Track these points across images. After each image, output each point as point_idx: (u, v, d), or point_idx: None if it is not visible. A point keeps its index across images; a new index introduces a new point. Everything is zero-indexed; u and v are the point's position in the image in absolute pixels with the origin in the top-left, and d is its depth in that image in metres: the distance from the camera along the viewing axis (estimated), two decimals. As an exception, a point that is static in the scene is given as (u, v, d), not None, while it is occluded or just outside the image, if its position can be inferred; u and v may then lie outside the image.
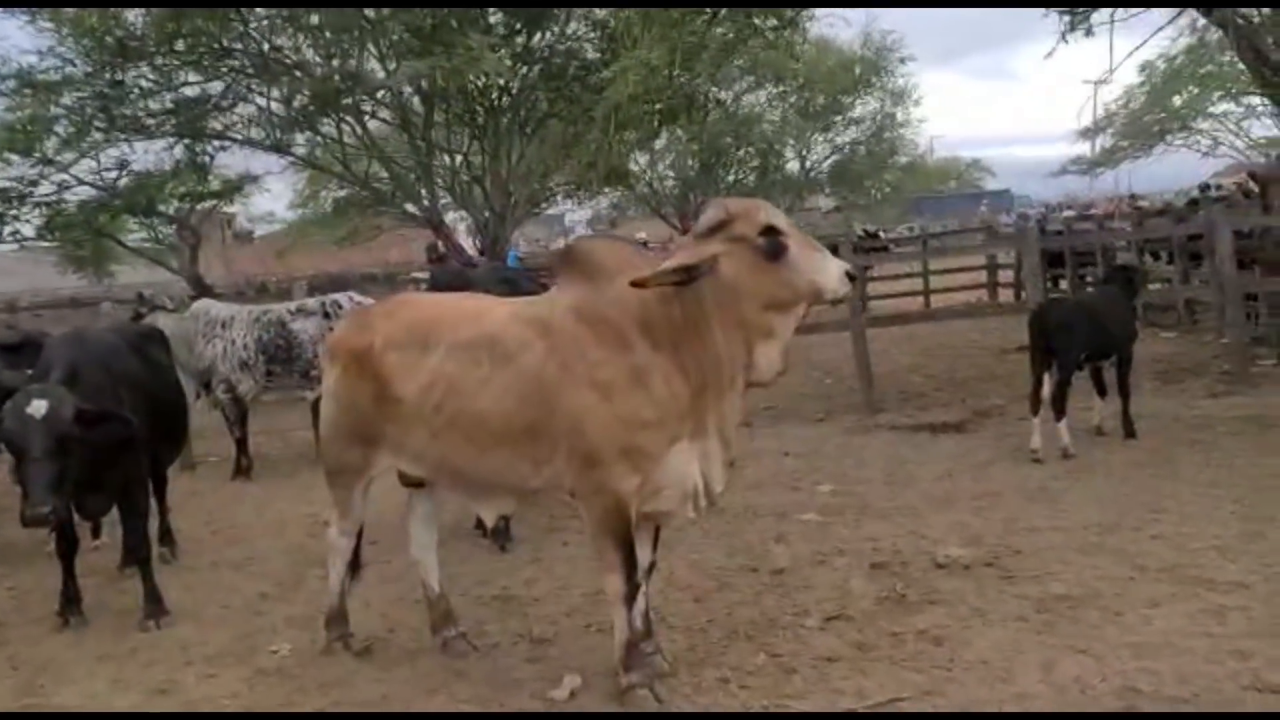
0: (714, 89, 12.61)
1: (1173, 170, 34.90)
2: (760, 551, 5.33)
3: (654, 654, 3.90)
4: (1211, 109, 28.31)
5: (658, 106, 9.72)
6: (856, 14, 21.94)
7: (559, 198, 19.42)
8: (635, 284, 3.47)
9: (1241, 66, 23.54)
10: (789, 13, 9.22)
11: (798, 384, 10.70)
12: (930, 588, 4.61)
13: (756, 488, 6.47)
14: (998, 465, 6.75)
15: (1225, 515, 5.22)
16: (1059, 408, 6.80)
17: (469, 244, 15.13)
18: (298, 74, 11.66)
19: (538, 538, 5.83)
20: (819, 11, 10.94)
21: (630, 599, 3.70)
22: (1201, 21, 17.45)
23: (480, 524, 5.70)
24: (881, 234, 20.76)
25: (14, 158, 11.39)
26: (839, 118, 24.25)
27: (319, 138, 13.31)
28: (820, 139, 25.00)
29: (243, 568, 5.74)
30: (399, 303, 4.25)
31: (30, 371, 4.95)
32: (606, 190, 23.94)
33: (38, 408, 4.12)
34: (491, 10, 11.31)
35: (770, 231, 3.53)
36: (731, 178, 22.69)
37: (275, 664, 4.32)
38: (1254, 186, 14.55)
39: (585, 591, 4.88)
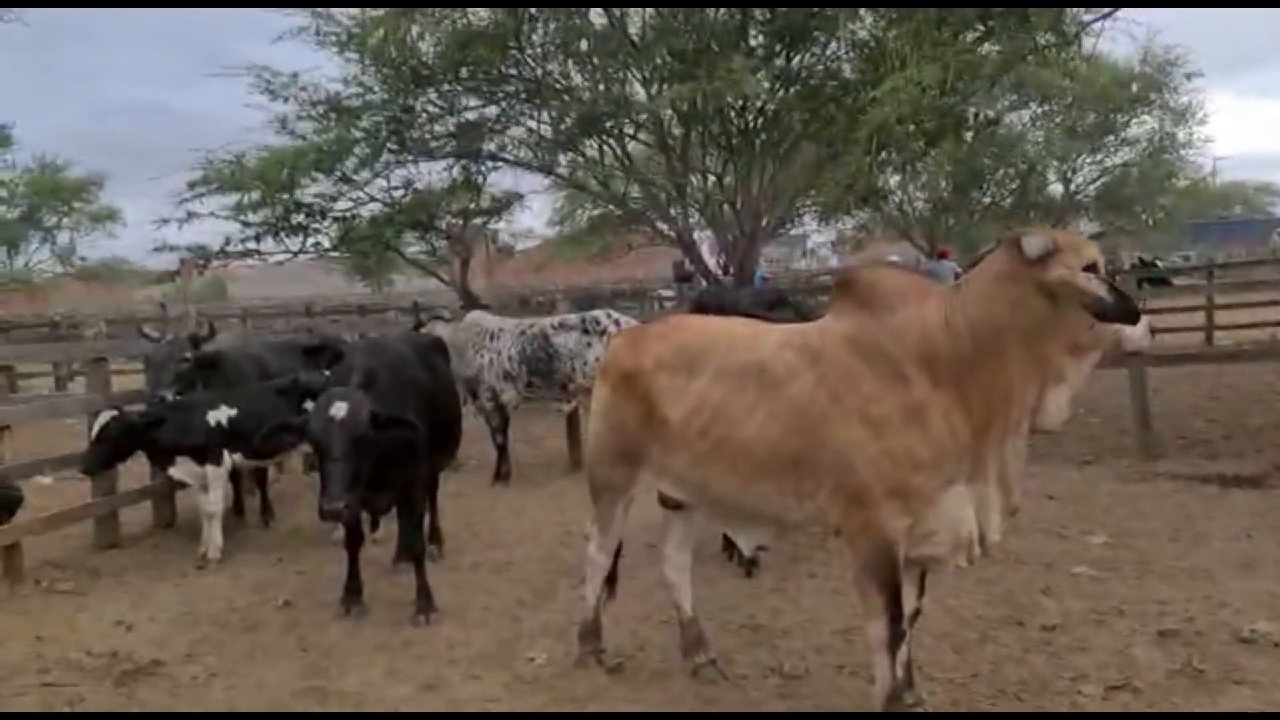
0: (984, 110, 12.05)
1: None
2: (1026, 604, 4.98)
3: (915, 706, 3.71)
4: None
5: (924, 128, 9.40)
6: (1137, 29, 20.39)
7: (805, 219, 19.25)
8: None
9: None
10: (1070, 26, 8.63)
11: (1062, 422, 10.02)
12: (1232, 664, 4.13)
13: (1017, 532, 6.05)
14: (1307, 529, 6.00)
15: None
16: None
17: (712, 262, 15.25)
18: (566, 98, 12.17)
19: (783, 565, 5.72)
20: (1102, 25, 10.23)
21: (894, 647, 3.54)
22: None
23: (727, 546, 5.67)
24: (1159, 263, 19.09)
25: (319, 176, 12.58)
26: (1110, 137, 22.63)
27: (581, 158, 13.82)
28: (1088, 160, 23.42)
29: (502, 572, 5.98)
30: (673, 324, 4.28)
31: (328, 373, 5.38)
32: (854, 212, 23.54)
33: (339, 410, 4.47)
34: (754, 32, 11.34)
35: (1093, 268, 3.29)
36: (988, 199, 21.70)
37: (533, 672, 4.45)
38: None
39: (835, 628, 4.73)
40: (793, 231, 23.52)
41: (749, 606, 5.15)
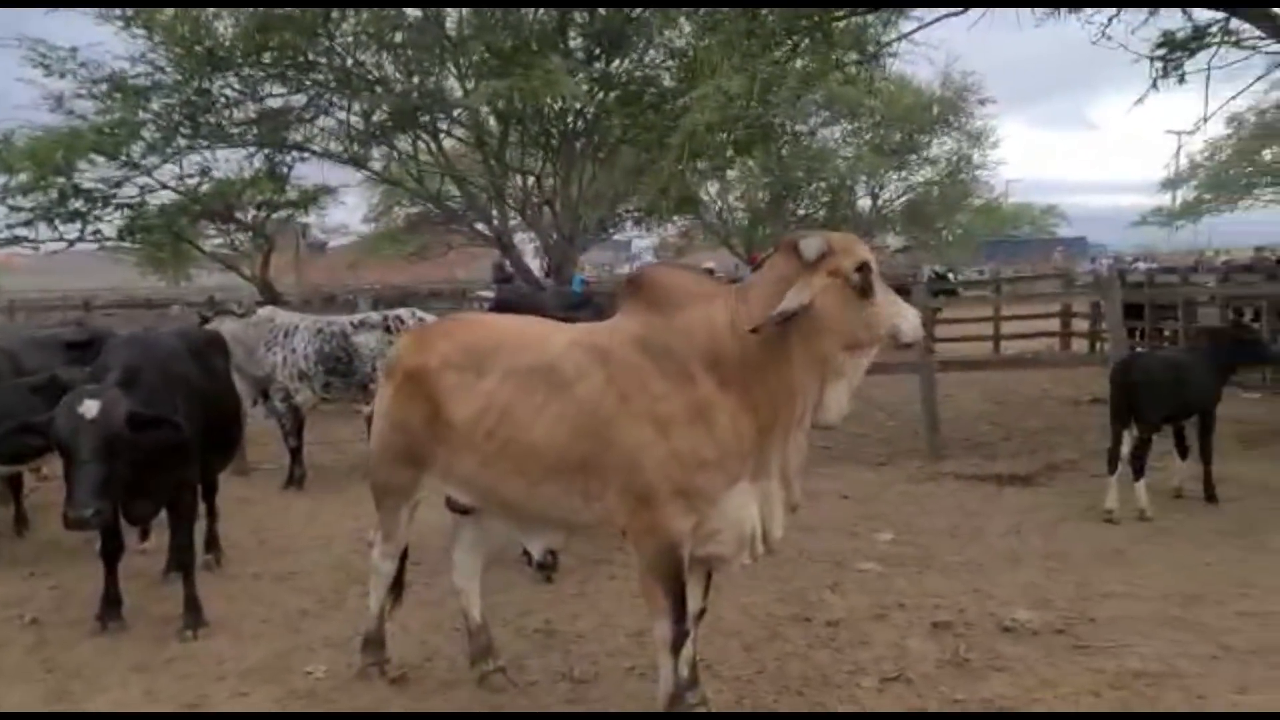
0: (790, 122, 12.46)
1: (1255, 226, 33.87)
2: (814, 600, 5.10)
3: (698, 705, 3.71)
4: (1304, 165, 27.47)
5: (733, 136, 9.60)
6: (936, 53, 21.63)
7: (627, 224, 19.42)
8: (755, 331, 3.31)
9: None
10: (871, 46, 9.04)
11: (857, 425, 10.39)
12: (995, 653, 4.34)
13: (811, 531, 6.24)
14: (1069, 523, 6.43)
15: (1320, 595, 4.87)
16: (1138, 467, 6.47)
17: (535, 265, 15.14)
18: (378, 90, 11.78)
19: (585, 569, 5.67)
20: (901, 48, 10.75)
21: (678, 646, 3.53)
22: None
23: (527, 551, 5.56)
24: (952, 276, 20.41)
25: (100, 160, 11.64)
26: (914, 156, 23.93)
27: (395, 153, 13.43)
28: (894, 177, 24.69)
29: (286, 581, 5.66)
30: (460, 323, 4.14)
31: (89, 370, 4.93)
32: (675, 218, 23.92)
33: (89, 408, 4.08)
34: (573, 34, 11.32)
35: (865, 268, 3.38)
36: (802, 211, 22.50)
37: (308, 686, 4.21)
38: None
39: (630, 631, 4.70)
40: (615, 236, 23.67)
41: (546, 611, 5.06)
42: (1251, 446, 8.46)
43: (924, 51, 10.45)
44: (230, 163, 12.90)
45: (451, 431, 3.78)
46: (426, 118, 11.91)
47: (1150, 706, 3.77)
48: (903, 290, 12.34)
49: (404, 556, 4.32)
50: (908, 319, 3.48)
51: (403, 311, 8.24)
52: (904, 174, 24.72)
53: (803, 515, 6.66)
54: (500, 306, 6.37)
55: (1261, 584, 5.05)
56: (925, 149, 23.79)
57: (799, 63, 8.47)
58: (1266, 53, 9.79)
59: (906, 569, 5.59)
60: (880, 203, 25.19)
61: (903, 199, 25.26)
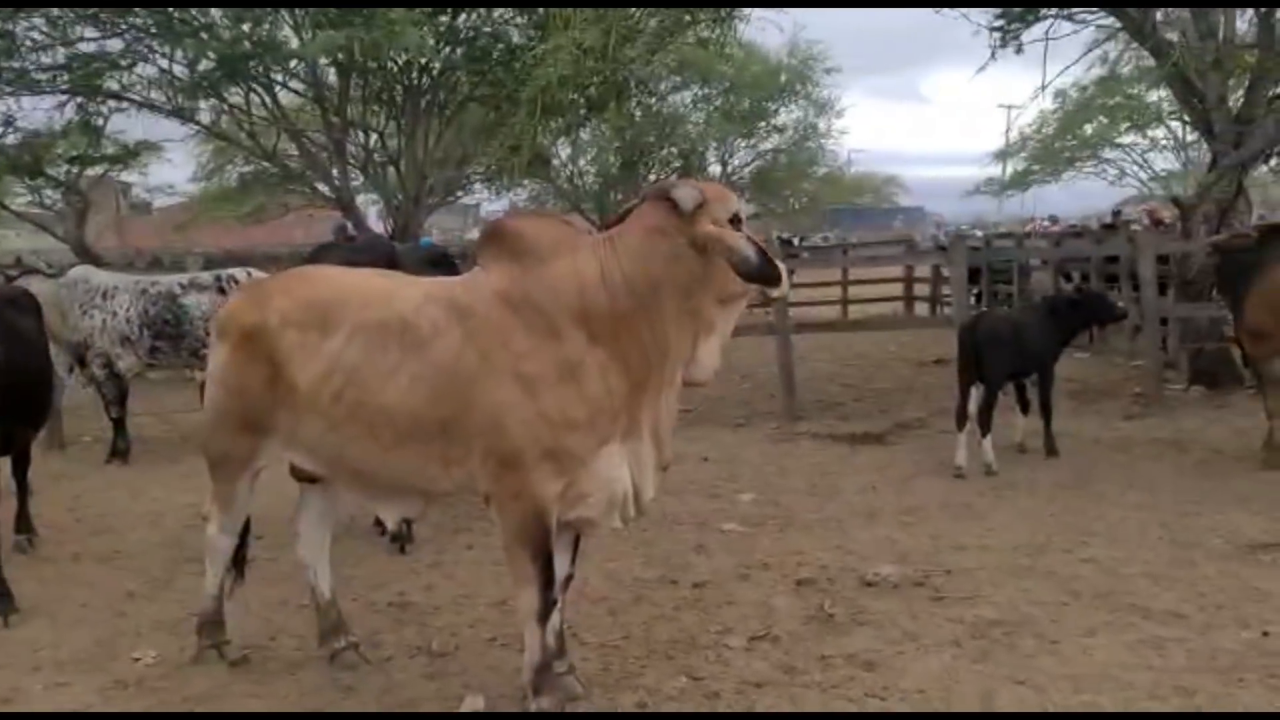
0: (645, 81, 12.31)
1: (1079, 197, 36.01)
2: (680, 563, 5.03)
3: (566, 674, 3.56)
4: (1119, 139, 29.23)
5: (586, 92, 9.37)
6: (785, 21, 21.84)
7: (477, 186, 18.91)
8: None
9: (1150, 100, 24.36)
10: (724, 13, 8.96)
11: (717, 388, 10.44)
12: (859, 608, 4.36)
13: (675, 494, 6.17)
14: (921, 479, 6.58)
15: (1154, 540, 5.11)
16: (984, 423, 6.67)
17: (381, 228, 14.53)
18: (204, 36, 10.94)
19: (441, 539, 5.43)
20: (754, 12, 10.74)
21: (545, 616, 3.36)
22: (1114, 53, 17.93)
23: (380, 521, 5.28)
24: (795, 241, 20.79)
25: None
26: (763, 124, 24.14)
27: (225, 106, 12.56)
28: (743, 144, 24.87)
29: (109, 561, 5.20)
30: (300, 276, 3.80)
31: None
32: (526, 181, 23.47)
33: None
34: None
35: (737, 219, 3.27)
36: (653, 176, 22.38)
37: (136, 673, 3.85)
38: (1164, 217, 14.93)
39: (490, 601, 4.52)
40: (464, 200, 23.06)
41: (401, 583, 4.81)
42: (1083, 403, 8.91)
43: (772, 18, 10.43)
44: (38, 112, 11.79)
45: (294, 395, 3.48)
46: (259, 68, 11.15)
47: (1008, 653, 3.84)
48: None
49: (245, 530, 3.99)
50: (778, 270, 3.39)
51: (237, 271, 7.68)
52: (753, 141, 24.90)
53: (667, 478, 6.55)
54: (352, 259, 5.94)
55: (1101, 532, 5.27)
56: (773, 117, 24.01)
57: (654, 20, 8.32)
58: (1098, 25, 10.24)
59: (769, 528, 5.59)
60: (730, 169, 25.33)
61: (752, 166, 25.46)
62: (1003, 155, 29.20)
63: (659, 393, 3.35)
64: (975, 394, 6.79)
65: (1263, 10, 8.70)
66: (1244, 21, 9.30)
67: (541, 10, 10.64)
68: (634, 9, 7.74)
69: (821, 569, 4.88)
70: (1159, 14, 9.40)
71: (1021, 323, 7.20)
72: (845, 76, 41.50)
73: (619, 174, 21.66)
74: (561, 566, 3.48)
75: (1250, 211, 9.35)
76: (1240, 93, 9.42)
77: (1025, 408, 7.25)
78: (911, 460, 7.13)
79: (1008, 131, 30.52)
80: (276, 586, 4.67)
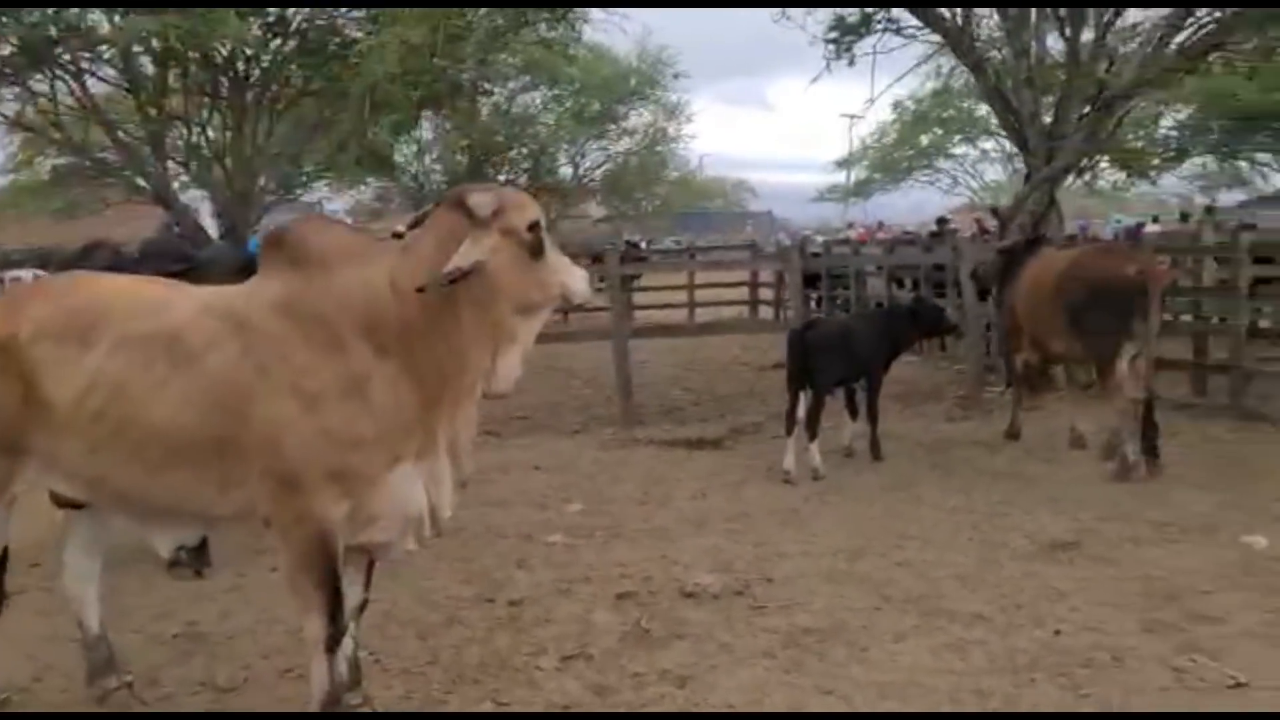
0: (482, 80, 12.06)
1: (917, 204, 37.69)
2: (499, 579, 4.87)
3: (360, 706, 3.35)
4: (953, 150, 30.72)
5: (417, 89, 9.08)
6: (632, 25, 21.83)
7: (317, 184, 18.25)
8: (420, 290, 2.95)
9: (978, 113, 25.62)
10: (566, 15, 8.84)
11: (554, 393, 10.36)
12: (678, 620, 4.30)
13: (500, 505, 6.01)
14: (751, 485, 6.61)
15: (964, 542, 5.24)
16: (812, 429, 6.75)
17: (212, 226, 13.80)
18: (3, 20, 10.12)
19: (241, 560, 5.09)
20: (595, 14, 10.67)
21: (333, 645, 3.14)
22: (946, 67, 18.75)
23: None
24: (643, 245, 20.86)
25: None
26: (614, 126, 24.24)
27: (30, 94, 11.66)
28: (594, 146, 24.91)
29: None
30: (58, 284, 3.46)
31: None
32: (370, 180, 22.82)
33: None
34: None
35: (536, 226, 3.14)
36: (502, 177, 22.13)
37: None
38: (990, 226, 15.63)
39: (293, 627, 4.21)
40: (304, 198, 22.22)
41: (191, 611, 4.48)
42: (908, 406, 9.18)
43: (617, 21, 10.41)
44: None
45: (51, 414, 3.15)
46: (66, 55, 10.37)
47: (819, 662, 3.84)
48: (598, 259, 12.41)
49: (2, 559, 3.61)
50: (579, 279, 3.29)
51: (22, 273, 7.08)
52: (604, 144, 25.00)
53: (492, 489, 6.49)
54: (140, 264, 5.50)
55: (917, 535, 5.38)
56: (624, 119, 24.15)
57: (485, 19, 8.11)
58: (923, 40, 10.61)
59: (594, 540, 5.49)
60: (581, 171, 25.33)
61: (603, 168, 25.54)
62: (845, 163, 30.30)
63: (456, 406, 3.18)
64: (805, 399, 6.87)
65: (1069, 31, 9.17)
66: (1055, 40, 9.80)
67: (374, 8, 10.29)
68: (466, 8, 7.51)
69: (644, 581, 4.80)
70: (979, 31, 9.81)
71: (852, 329, 7.34)
72: (694, 82, 42.18)
73: (467, 174, 21.33)
74: (353, 593, 3.29)
75: (1061, 222, 9.86)
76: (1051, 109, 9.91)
77: (854, 413, 7.39)
78: (745, 465, 7.16)
79: (850, 140, 31.61)
80: (48, 620, 4.27)
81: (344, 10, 11.47)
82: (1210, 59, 10.37)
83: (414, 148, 19.94)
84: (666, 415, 9.22)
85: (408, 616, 4.37)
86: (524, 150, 22.65)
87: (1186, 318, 10.04)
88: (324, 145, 11.97)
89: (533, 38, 10.70)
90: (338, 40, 11.66)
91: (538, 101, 22.45)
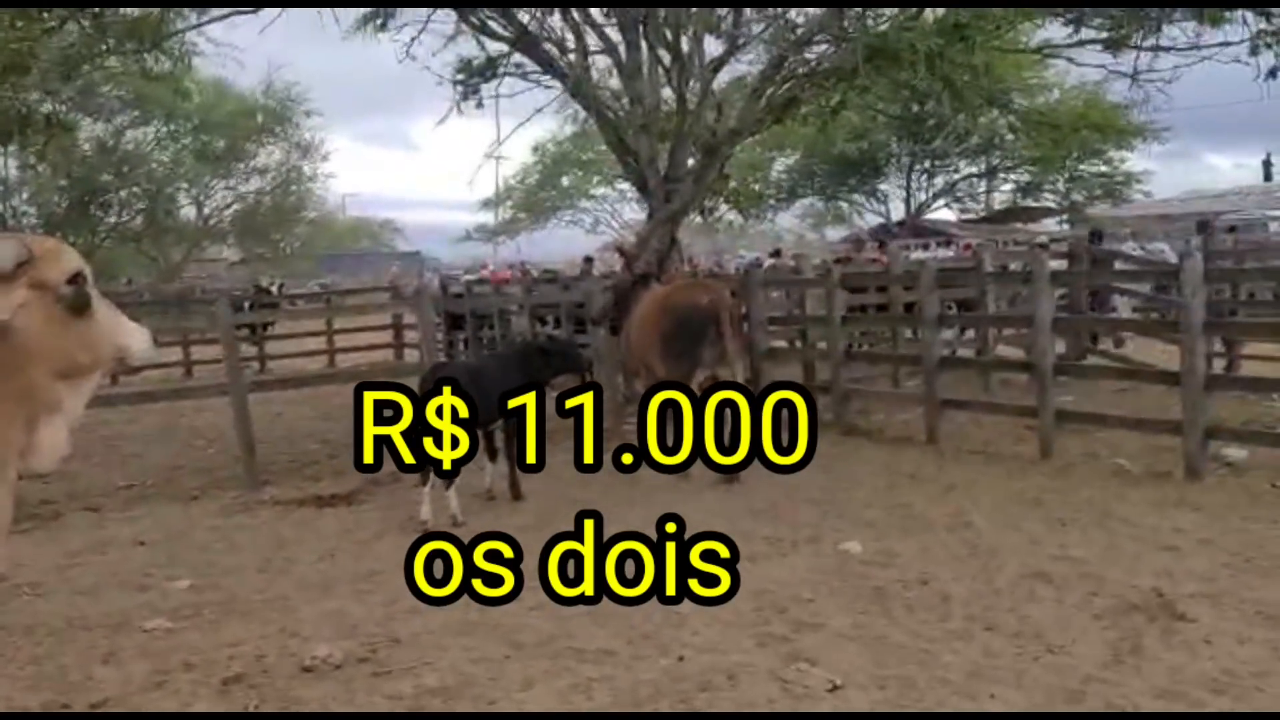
0: (77, 114, 10.80)
1: (563, 243, 38.92)
2: (78, 679, 4.22)
3: None
4: (593, 191, 32.10)
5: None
6: (256, 61, 20.67)
7: None
8: None
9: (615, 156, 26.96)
10: (148, 37, 8.05)
11: (172, 456, 9.43)
12: (292, 699, 3.93)
13: (89, 593, 5.27)
14: (385, 539, 6.29)
15: (596, 577, 5.28)
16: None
17: None
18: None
19: None
20: (205, 46, 9.90)
21: None
22: (584, 113, 19.55)
23: None
24: (274, 289, 19.78)
25: None
26: (241, 165, 22.84)
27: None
28: (220, 185, 23.32)
29: None
30: None
31: None
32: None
33: None
34: None
35: (79, 278, 2.70)
36: (113, 219, 20.10)
37: None
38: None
39: None
40: None
41: None
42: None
43: (231, 54, 9.72)
44: None
45: None
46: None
47: (444, 724, 3.65)
48: (237, 306, 11.44)
49: None
50: (136, 337, 2.89)
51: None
52: (232, 183, 23.48)
53: (82, 574, 5.69)
54: None
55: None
56: (253, 158, 22.82)
57: (58, 43, 7.22)
58: (545, 86, 10.89)
59: (202, 619, 4.94)
60: (208, 212, 23.59)
61: (232, 209, 23.96)
62: (491, 203, 30.64)
63: (-19, 493, 2.68)
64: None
65: (678, 80, 9.81)
66: (668, 89, 10.43)
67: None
68: (33, 30, 6.63)
69: (257, 659, 4.36)
70: (595, 78, 10.23)
71: (481, 370, 7.24)
72: (330, 120, 40.78)
73: (67, 216, 19.09)
74: None
75: (682, 259, 10.47)
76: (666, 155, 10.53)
77: (494, 454, 7.30)
78: (380, 519, 6.82)
79: (495, 181, 32.03)
80: None
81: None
82: (801, 111, 11.52)
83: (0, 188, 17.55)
84: (298, 471, 8.64)
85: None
86: (136, 190, 20.68)
87: (798, 344, 10.98)
88: None
89: (133, 68, 9.72)
90: None
91: (150, 137, 20.63)
